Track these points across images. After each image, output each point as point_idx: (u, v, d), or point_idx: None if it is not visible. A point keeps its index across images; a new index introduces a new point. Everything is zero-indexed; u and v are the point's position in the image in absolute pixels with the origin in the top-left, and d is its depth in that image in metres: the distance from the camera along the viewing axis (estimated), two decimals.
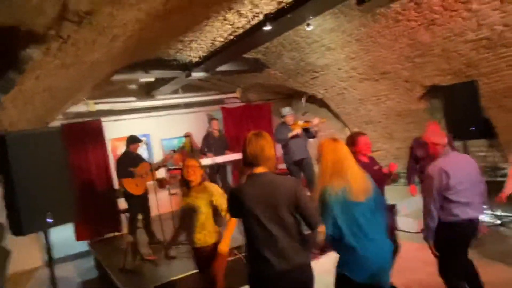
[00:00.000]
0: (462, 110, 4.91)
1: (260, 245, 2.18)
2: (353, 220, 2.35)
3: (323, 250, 4.92)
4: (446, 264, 2.94)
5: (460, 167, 2.92)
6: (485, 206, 2.96)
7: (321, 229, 2.25)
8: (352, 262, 2.38)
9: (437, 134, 3.12)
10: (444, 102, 5.39)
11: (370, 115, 6.87)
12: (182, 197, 3.35)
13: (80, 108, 6.73)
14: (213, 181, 5.72)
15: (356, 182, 2.37)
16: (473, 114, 4.88)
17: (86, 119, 6.68)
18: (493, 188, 5.19)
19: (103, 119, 6.83)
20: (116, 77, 5.69)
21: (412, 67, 5.42)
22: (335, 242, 2.40)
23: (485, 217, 5.39)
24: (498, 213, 5.34)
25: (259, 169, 2.24)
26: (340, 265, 2.47)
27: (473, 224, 2.93)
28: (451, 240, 2.90)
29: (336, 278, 2.51)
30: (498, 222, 5.22)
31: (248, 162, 2.27)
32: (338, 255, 2.49)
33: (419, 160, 4.77)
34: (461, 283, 2.96)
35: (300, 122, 6.19)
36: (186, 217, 3.25)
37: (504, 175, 5.58)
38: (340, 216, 2.33)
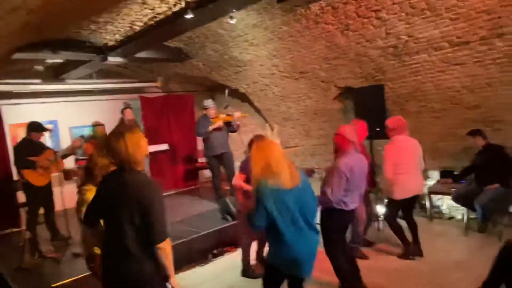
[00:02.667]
0: (370, 112, 5.30)
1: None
2: (285, 208, 2.48)
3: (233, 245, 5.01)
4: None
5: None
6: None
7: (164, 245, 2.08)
8: (281, 252, 2.53)
9: (356, 133, 3.52)
10: (355, 103, 5.77)
11: (289, 112, 7.09)
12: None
13: None
14: None
15: (285, 172, 2.50)
16: (379, 116, 5.30)
17: None
18: None
19: (2, 102, 6.09)
20: (18, 56, 5.08)
21: (329, 69, 5.70)
22: (267, 232, 2.55)
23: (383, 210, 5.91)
24: None
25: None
26: (270, 256, 2.63)
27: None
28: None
29: (265, 269, 2.72)
30: None
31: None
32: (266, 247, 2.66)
33: None
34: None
35: (222, 116, 6.16)
36: None
37: None
38: (273, 205, 2.45)
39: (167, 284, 2.19)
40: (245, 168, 4.30)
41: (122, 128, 2.26)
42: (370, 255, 4.43)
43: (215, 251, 4.87)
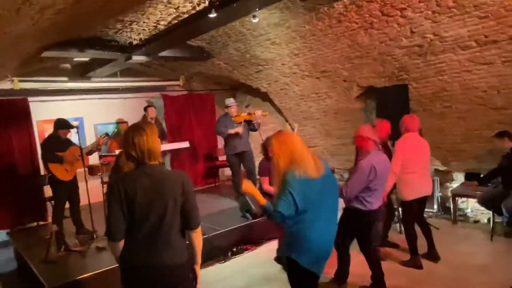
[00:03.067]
0: (392, 112, 5.22)
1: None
2: (314, 198, 2.41)
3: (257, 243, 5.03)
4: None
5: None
6: None
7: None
8: (300, 244, 2.43)
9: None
10: (377, 103, 5.70)
11: (310, 112, 7.06)
12: None
13: (4, 85, 6.13)
14: None
15: (309, 161, 2.45)
16: (402, 116, 5.22)
17: (10, 98, 6.12)
18: None
19: (30, 99, 6.30)
20: (47, 54, 5.24)
21: (351, 68, 5.64)
22: (288, 222, 2.43)
23: None
24: None
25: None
26: (287, 248, 2.50)
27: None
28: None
29: (287, 263, 2.53)
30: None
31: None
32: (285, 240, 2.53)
33: None
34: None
35: (243, 114, 6.19)
36: None
37: None
38: (302, 197, 2.36)
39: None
40: (264, 170, 4.35)
41: (140, 123, 2.28)
42: (393, 256, 4.38)
43: (234, 249, 4.90)
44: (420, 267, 4.07)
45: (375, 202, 3.33)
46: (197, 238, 2.22)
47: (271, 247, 4.68)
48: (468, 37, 4.21)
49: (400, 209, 4.79)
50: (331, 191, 2.56)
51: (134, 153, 2.11)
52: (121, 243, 2.11)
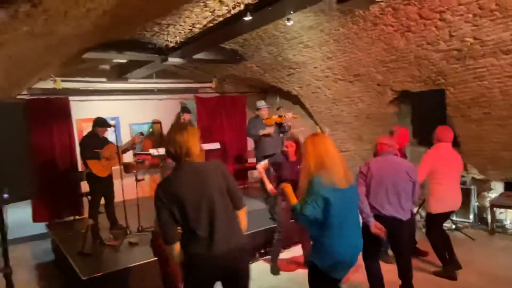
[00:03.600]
0: (428, 117, 5.10)
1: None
2: (338, 207, 2.42)
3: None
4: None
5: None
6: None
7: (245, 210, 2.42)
8: (331, 253, 2.47)
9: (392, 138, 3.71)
10: (412, 108, 5.57)
11: (341, 116, 6.99)
12: None
13: (47, 85, 6.44)
14: None
15: (339, 169, 2.48)
16: (438, 122, 5.07)
17: (53, 97, 6.42)
18: None
19: (70, 98, 6.58)
20: (88, 55, 5.47)
21: (385, 72, 5.55)
22: (313, 227, 2.48)
23: None
24: (454, 218, 5.60)
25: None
26: (319, 259, 2.52)
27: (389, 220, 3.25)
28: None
29: (308, 267, 2.62)
30: (453, 226, 5.47)
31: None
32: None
33: None
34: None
35: (274, 116, 6.21)
36: None
37: (462, 183, 5.84)
38: (325, 203, 2.40)
39: None
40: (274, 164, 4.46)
41: (182, 123, 2.39)
42: (423, 266, 4.26)
43: (262, 250, 4.91)
44: (453, 277, 3.94)
45: (384, 208, 3.24)
46: (244, 218, 2.39)
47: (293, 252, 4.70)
48: (511, 41, 4.05)
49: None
50: (356, 202, 2.62)
51: (172, 150, 2.22)
52: (177, 245, 2.23)
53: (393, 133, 4.53)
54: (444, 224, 5.55)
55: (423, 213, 5.57)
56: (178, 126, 2.34)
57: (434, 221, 4.05)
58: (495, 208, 5.26)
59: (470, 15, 4.01)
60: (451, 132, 4.07)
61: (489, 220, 5.28)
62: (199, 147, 2.30)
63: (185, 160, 2.23)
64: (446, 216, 4.11)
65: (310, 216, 2.41)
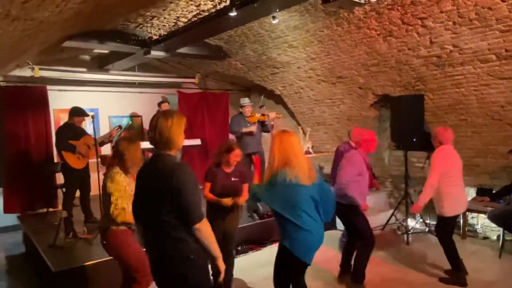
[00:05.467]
0: (407, 122, 5.19)
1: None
2: (295, 200, 2.62)
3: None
4: None
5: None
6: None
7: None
8: (295, 237, 2.65)
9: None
10: (392, 112, 5.67)
11: (323, 117, 7.05)
12: None
13: (25, 72, 6.26)
14: None
15: (303, 167, 2.63)
16: (416, 126, 5.18)
17: (30, 85, 6.24)
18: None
19: (48, 87, 6.41)
20: (68, 44, 5.33)
21: (367, 75, 5.63)
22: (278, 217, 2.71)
23: (415, 224, 5.77)
24: (427, 220, 5.73)
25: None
26: (283, 238, 2.75)
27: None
28: None
29: (278, 248, 2.84)
30: (426, 229, 5.59)
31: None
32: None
33: None
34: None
35: (257, 115, 6.21)
36: None
37: None
38: (280, 196, 2.63)
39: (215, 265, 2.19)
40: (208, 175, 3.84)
41: (172, 111, 2.26)
42: (400, 270, 4.33)
43: (239, 248, 4.91)
44: (464, 284, 3.86)
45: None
46: (200, 234, 2.03)
47: (275, 249, 4.67)
48: (488, 50, 4.17)
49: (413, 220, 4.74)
50: (321, 197, 2.73)
51: (152, 135, 2.09)
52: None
53: (349, 134, 4.67)
54: (418, 227, 5.71)
55: (398, 215, 5.69)
56: (165, 111, 2.18)
57: (449, 225, 4.00)
58: (467, 213, 5.39)
59: (450, 23, 4.11)
60: (451, 133, 4.00)
61: (461, 225, 5.41)
62: (182, 139, 2.16)
63: (161, 152, 2.11)
64: (457, 218, 4.09)
65: (259, 195, 2.73)
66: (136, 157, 3.01)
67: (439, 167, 3.82)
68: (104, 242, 3.00)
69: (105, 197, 2.95)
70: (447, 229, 3.99)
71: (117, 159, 3.01)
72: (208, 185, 3.68)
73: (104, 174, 3.06)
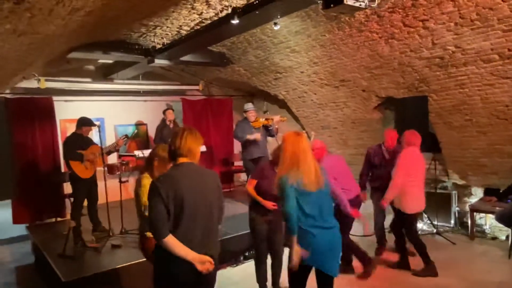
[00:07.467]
0: (411, 123, 5.17)
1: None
2: (307, 206, 2.60)
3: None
4: None
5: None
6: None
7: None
8: (304, 245, 2.60)
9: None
10: (396, 114, 5.66)
11: (327, 120, 7.06)
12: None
13: (31, 84, 6.35)
14: None
15: (310, 173, 2.61)
16: (421, 128, 5.16)
17: (36, 96, 6.33)
18: (432, 199, 5.55)
19: (54, 98, 6.49)
20: (73, 55, 5.42)
21: (370, 78, 5.64)
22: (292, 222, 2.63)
23: (423, 226, 5.74)
24: (435, 222, 5.70)
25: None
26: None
27: None
28: None
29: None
30: (434, 231, 5.56)
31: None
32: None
33: (373, 167, 5.00)
34: None
35: (262, 119, 6.24)
36: None
37: (443, 188, 5.97)
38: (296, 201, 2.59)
39: None
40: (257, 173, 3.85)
41: (190, 128, 2.47)
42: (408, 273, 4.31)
43: (246, 253, 4.91)
44: (436, 273, 4.10)
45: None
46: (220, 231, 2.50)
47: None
48: (491, 50, 4.17)
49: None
50: (325, 202, 2.71)
51: (177, 144, 2.29)
52: (171, 236, 2.20)
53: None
54: (426, 228, 5.68)
55: None
56: (188, 127, 2.45)
57: (413, 221, 4.29)
58: (475, 213, 5.37)
59: (452, 24, 4.12)
60: (418, 136, 4.30)
61: (469, 225, 5.38)
62: (199, 153, 2.41)
63: (184, 161, 2.30)
64: (417, 216, 4.42)
65: (292, 212, 2.59)
66: (166, 168, 3.08)
67: (404, 166, 4.11)
68: (142, 248, 3.06)
69: (138, 203, 3.02)
70: (412, 224, 4.27)
71: (150, 166, 3.09)
72: (253, 181, 3.58)
73: (136, 181, 3.13)
